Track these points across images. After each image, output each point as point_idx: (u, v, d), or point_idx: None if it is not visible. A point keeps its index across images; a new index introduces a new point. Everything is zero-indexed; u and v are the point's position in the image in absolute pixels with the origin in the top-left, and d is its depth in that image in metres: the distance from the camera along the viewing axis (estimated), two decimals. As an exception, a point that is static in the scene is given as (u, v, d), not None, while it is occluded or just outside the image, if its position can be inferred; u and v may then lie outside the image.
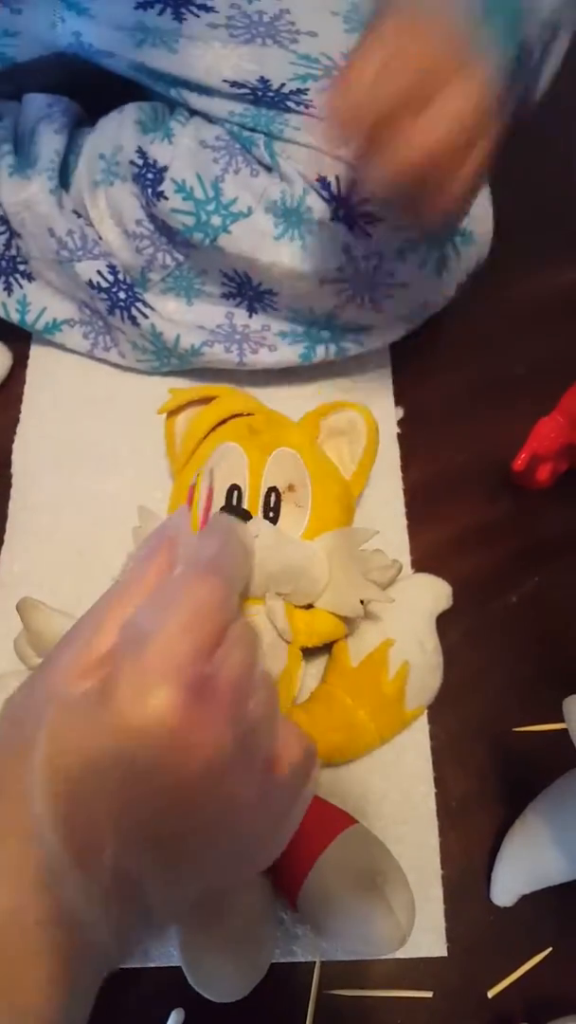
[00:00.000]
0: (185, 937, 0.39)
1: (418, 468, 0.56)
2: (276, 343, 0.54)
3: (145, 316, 0.54)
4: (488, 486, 0.56)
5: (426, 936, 0.44)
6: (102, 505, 0.54)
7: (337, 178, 0.46)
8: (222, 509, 0.43)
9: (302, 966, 0.43)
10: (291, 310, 0.52)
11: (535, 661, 0.51)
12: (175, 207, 0.49)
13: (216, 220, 0.48)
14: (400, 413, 0.57)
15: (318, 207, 0.47)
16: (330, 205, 0.47)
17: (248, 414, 0.49)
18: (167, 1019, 0.41)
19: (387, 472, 0.55)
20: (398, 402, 0.58)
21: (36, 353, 0.60)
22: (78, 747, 0.24)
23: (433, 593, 0.49)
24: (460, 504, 0.55)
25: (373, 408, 0.50)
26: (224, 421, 0.49)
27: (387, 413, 0.57)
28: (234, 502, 0.45)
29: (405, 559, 0.53)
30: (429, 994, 0.43)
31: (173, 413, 0.51)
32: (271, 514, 0.45)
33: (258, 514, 0.45)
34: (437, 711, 0.48)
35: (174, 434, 0.51)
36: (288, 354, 0.54)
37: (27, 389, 0.58)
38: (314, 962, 0.43)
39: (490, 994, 0.43)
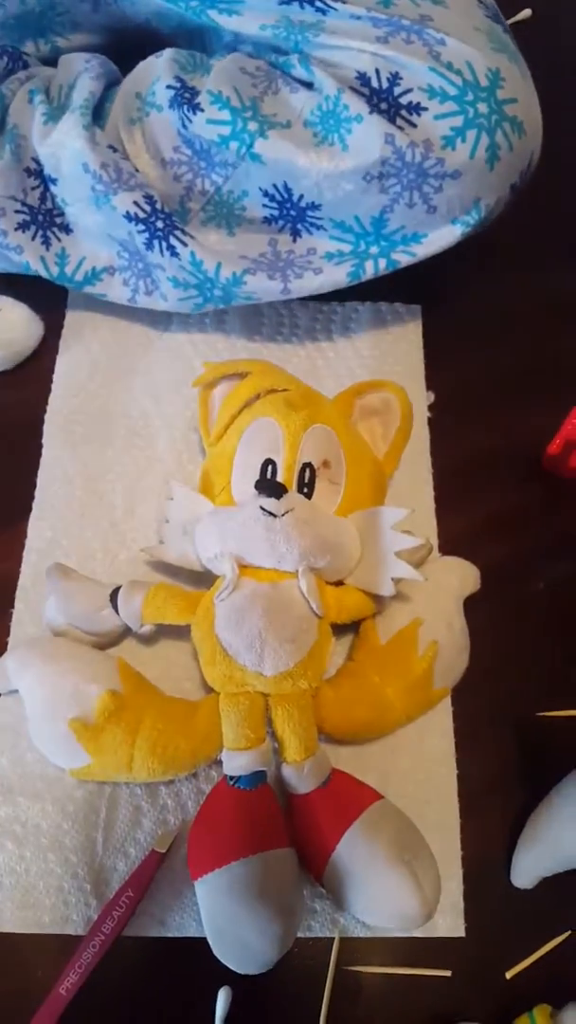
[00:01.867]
0: (210, 905, 0.39)
1: (448, 452, 0.56)
2: (322, 265, 0.52)
3: (184, 244, 0.52)
4: (517, 472, 0.56)
5: (445, 916, 0.44)
6: (133, 476, 0.54)
7: (377, 71, 0.46)
8: (257, 483, 0.43)
9: (320, 941, 0.43)
10: (336, 224, 0.51)
11: (560, 647, 0.51)
12: (211, 117, 0.48)
13: (253, 126, 0.48)
14: (431, 397, 0.57)
15: (354, 103, 0.46)
16: (371, 99, 0.46)
17: (284, 389, 0.49)
18: (213, 999, 0.41)
19: (417, 455, 0.55)
20: (429, 386, 0.58)
21: (69, 322, 0.59)
22: None
23: (461, 575, 0.49)
24: (489, 489, 0.55)
25: (408, 387, 0.50)
26: (259, 396, 0.48)
27: (418, 396, 0.57)
28: (268, 475, 0.45)
29: (433, 543, 0.53)
30: (447, 973, 0.43)
31: (208, 386, 0.51)
32: (305, 489, 0.45)
33: (292, 488, 0.44)
34: (461, 694, 0.48)
35: (208, 407, 0.51)
36: (335, 274, 0.52)
37: (59, 360, 0.58)
38: (332, 938, 0.43)
39: (508, 975, 0.43)
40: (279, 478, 0.45)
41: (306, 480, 0.45)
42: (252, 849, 0.39)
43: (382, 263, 0.52)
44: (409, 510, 0.45)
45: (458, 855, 0.45)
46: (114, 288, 0.56)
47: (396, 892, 0.39)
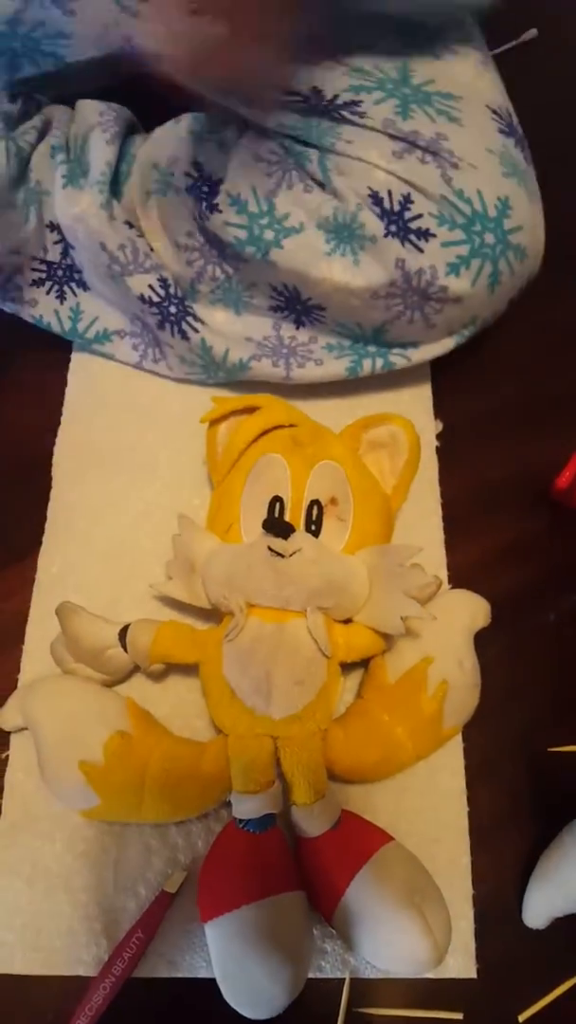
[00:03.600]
0: (220, 949, 0.39)
1: (456, 483, 0.55)
2: (323, 357, 0.54)
3: (195, 330, 0.54)
4: (527, 503, 0.55)
5: (456, 957, 0.43)
6: (141, 511, 0.54)
7: (389, 192, 0.46)
8: (264, 522, 0.43)
9: (331, 982, 0.43)
10: (339, 324, 0.52)
11: (572, 680, 0.50)
12: (229, 220, 0.49)
13: (269, 234, 0.48)
14: (439, 427, 0.57)
15: (371, 223, 0.47)
16: (383, 220, 0.47)
17: (291, 425, 0.49)
18: None
19: (425, 486, 0.55)
20: (437, 415, 0.58)
21: (77, 356, 0.60)
22: None
23: (471, 610, 0.48)
24: (498, 520, 0.55)
25: (412, 422, 0.50)
26: (267, 432, 0.48)
27: (426, 426, 0.56)
28: (276, 514, 0.45)
29: (443, 575, 0.52)
30: (459, 1016, 0.43)
31: (216, 422, 0.51)
32: (313, 527, 0.44)
33: (300, 527, 0.44)
34: (471, 728, 0.48)
35: (216, 443, 0.51)
36: (335, 367, 0.54)
37: (68, 392, 0.58)
38: (343, 979, 0.43)
39: (521, 1018, 0.43)
40: (286, 516, 0.45)
41: (313, 518, 0.45)
42: (261, 893, 0.39)
43: (379, 362, 0.53)
44: (418, 548, 0.45)
45: (469, 895, 0.45)
46: (122, 350, 0.58)
47: (406, 937, 0.38)
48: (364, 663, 0.47)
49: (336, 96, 0.48)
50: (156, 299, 0.53)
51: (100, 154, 0.52)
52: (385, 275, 0.48)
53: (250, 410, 0.50)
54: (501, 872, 0.46)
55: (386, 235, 0.47)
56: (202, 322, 0.54)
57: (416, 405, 0.58)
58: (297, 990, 0.38)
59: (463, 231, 0.46)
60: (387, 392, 0.58)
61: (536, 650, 0.51)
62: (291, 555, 0.42)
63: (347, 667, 0.47)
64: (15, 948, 0.43)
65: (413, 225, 0.46)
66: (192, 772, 0.43)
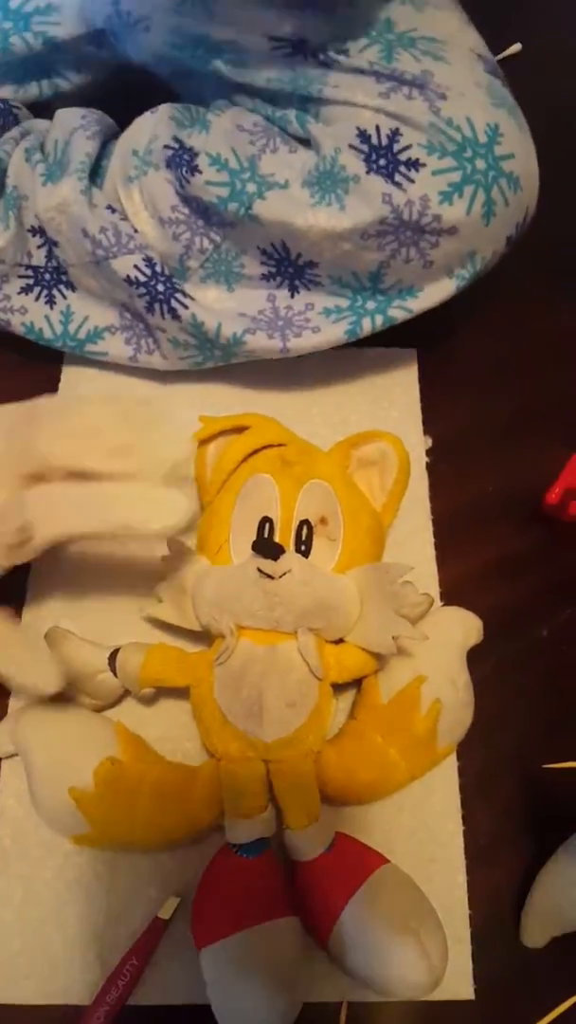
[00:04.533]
0: (215, 977, 0.38)
1: (446, 498, 0.55)
2: (320, 323, 0.52)
3: (185, 307, 0.52)
4: (518, 518, 0.55)
5: (453, 979, 0.43)
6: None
7: (377, 128, 0.46)
8: (254, 543, 0.43)
9: (328, 1006, 0.42)
10: (333, 280, 0.51)
11: (565, 696, 0.50)
12: (209, 179, 0.48)
13: (251, 187, 0.48)
14: (429, 442, 0.57)
15: (352, 163, 0.47)
16: (368, 158, 0.46)
17: (280, 444, 0.49)
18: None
19: (415, 502, 0.54)
20: (426, 431, 0.58)
21: (66, 377, 0.59)
22: None
23: (464, 627, 0.48)
24: (489, 536, 0.55)
25: (402, 438, 0.50)
26: (256, 451, 0.48)
27: (416, 442, 0.56)
28: (266, 535, 0.45)
29: (434, 591, 0.52)
30: None
31: (204, 442, 0.51)
32: (303, 547, 0.44)
33: (290, 547, 0.44)
34: (465, 746, 0.48)
35: (205, 463, 0.50)
36: (333, 332, 0.52)
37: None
38: (340, 1002, 0.42)
39: None
40: (276, 537, 0.44)
41: (303, 538, 0.44)
42: (254, 920, 0.39)
43: (379, 320, 0.52)
44: (409, 567, 0.44)
45: (466, 915, 0.44)
46: (115, 347, 0.56)
47: (402, 961, 0.38)
48: (357, 683, 0.47)
49: (322, 43, 0.49)
50: (143, 278, 0.52)
51: (80, 148, 0.52)
52: (371, 212, 0.47)
53: (239, 430, 0.49)
54: (498, 891, 0.45)
55: (368, 172, 0.47)
56: (191, 298, 0.53)
57: (405, 421, 0.58)
58: (292, 1017, 0.38)
59: (453, 158, 0.46)
60: (376, 409, 0.58)
61: (529, 666, 0.51)
62: (281, 576, 0.42)
63: (339, 687, 0.46)
64: (5, 977, 0.42)
65: (403, 157, 0.46)
66: (183, 797, 0.42)
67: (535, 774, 0.48)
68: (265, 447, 0.48)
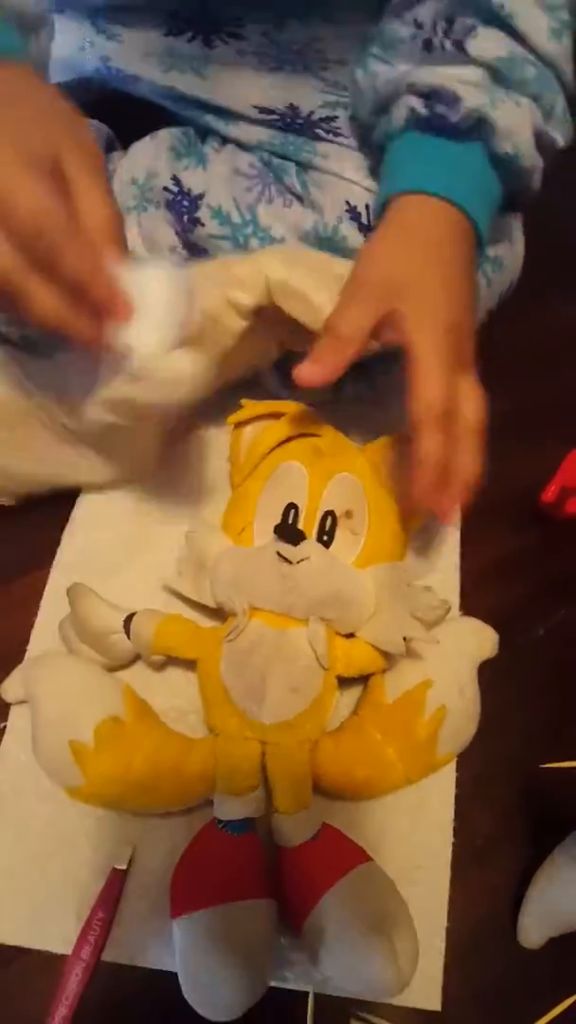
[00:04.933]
0: (186, 947, 0.39)
1: None
2: None
3: None
4: (515, 517, 0.55)
5: (422, 987, 0.43)
6: (163, 504, 0.54)
7: (367, 207, 0.46)
8: (276, 527, 0.43)
9: (297, 994, 0.42)
10: None
11: (563, 695, 0.50)
12: (212, 233, 0.49)
13: (254, 243, 0.49)
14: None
15: (352, 235, 0.47)
16: (363, 232, 0.47)
17: (315, 435, 0.49)
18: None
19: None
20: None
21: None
22: None
23: (479, 639, 0.48)
24: (487, 535, 0.55)
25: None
26: (290, 439, 0.49)
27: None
28: (290, 520, 0.45)
29: (454, 599, 0.52)
30: None
31: (241, 424, 0.51)
32: (325, 537, 0.44)
33: (312, 536, 0.44)
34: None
35: (240, 445, 0.51)
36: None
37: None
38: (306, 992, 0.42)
39: None
40: (300, 524, 0.45)
41: (326, 528, 0.45)
42: (232, 896, 0.39)
43: (360, 385, 0.53)
44: (428, 569, 0.44)
45: (443, 927, 0.44)
46: None
47: (370, 960, 0.38)
48: (364, 680, 0.47)
49: (311, 112, 0.49)
50: None
51: None
52: None
53: (276, 416, 0.50)
54: (496, 891, 0.45)
55: None
56: None
57: None
58: (254, 997, 0.38)
59: None
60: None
61: (526, 665, 0.51)
62: (299, 562, 0.42)
63: (346, 683, 0.46)
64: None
65: None
66: (177, 767, 0.43)
67: (533, 774, 0.48)
68: (300, 436, 0.48)
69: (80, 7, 0.53)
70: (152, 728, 0.45)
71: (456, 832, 0.46)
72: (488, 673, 0.49)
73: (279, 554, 0.43)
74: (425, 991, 0.43)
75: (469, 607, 0.50)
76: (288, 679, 0.42)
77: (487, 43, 0.43)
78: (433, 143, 0.44)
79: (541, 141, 0.46)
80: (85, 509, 0.55)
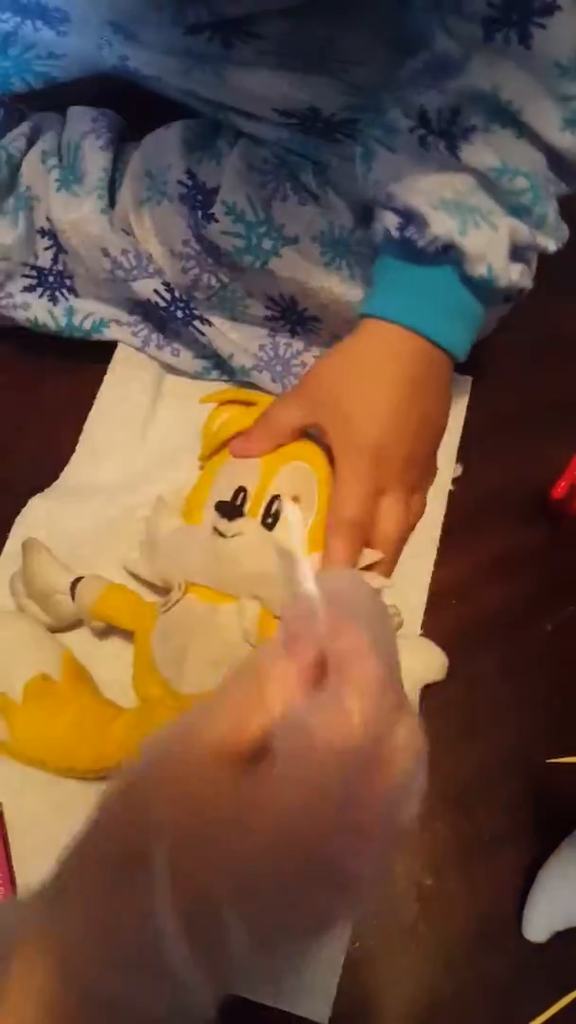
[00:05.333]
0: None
1: (454, 494, 0.55)
2: None
3: (203, 333, 0.54)
4: (525, 513, 0.55)
5: (313, 1000, 0.41)
6: (139, 483, 0.53)
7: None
8: (216, 504, 0.44)
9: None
10: (333, 336, 0.52)
11: (569, 691, 0.50)
12: (225, 229, 0.49)
13: (267, 244, 0.49)
14: (459, 471, 0.56)
15: (366, 239, 0.47)
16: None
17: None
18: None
19: (430, 523, 0.53)
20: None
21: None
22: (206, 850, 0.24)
23: (427, 660, 0.47)
24: (496, 530, 0.54)
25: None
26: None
27: (444, 466, 0.54)
28: (238, 503, 0.45)
29: (418, 617, 0.51)
30: None
31: (220, 405, 0.52)
32: (269, 519, 0.45)
33: (257, 518, 0.45)
34: (469, 742, 0.48)
35: (213, 427, 0.51)
36: None
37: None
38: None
39: None
40: (247, 506, 0.45)
41: (271, 511, 0.45)
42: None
43: None
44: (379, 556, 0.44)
45: (345, 944, 0.42)
46: (122, 334, 0.57)
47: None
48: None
49: (332, 115, 0.49)
50: (163, 304, 0.53)
51: (95, 160, 0.52)
52: None
53: (248, 404, 0.51)
54: (502, 886, 0.45)
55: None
56: (209, 324, 0.54)
57: (442, 446, 0.54)
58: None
59: None
60: None
61: (533, 660, 0.50)
62: (232, 536, 0.43)
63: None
64: None
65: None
66: (101, 731, 0.43)
67: (538, 769, 0.47)
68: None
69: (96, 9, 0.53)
70: (84, 692, 0.45)
71: (462, 827, 0.47)
72: (495, 668, 0.50)
73: (215, 529, 0.43)
74: (315, 1005, 0.41)
75: (477, 600, 0.50)
76: (209, 652, 0.42)
77: (482, 149, 0.43)
78: (400, 267, 0.46)
79: (527, 254, 0.46)
80: (78, 464, 0.55)
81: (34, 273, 0.55)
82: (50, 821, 0.44)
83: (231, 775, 0.24)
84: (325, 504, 0.45)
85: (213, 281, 0.53)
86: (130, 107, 0.57)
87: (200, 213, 0.50)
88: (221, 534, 0.43)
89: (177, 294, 0.53)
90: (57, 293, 0.56)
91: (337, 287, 0.49)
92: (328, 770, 0.23)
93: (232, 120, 0.52)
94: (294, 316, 0.53)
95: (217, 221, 0.50)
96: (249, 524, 0.43)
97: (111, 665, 0.48)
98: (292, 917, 0.25)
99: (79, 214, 0.51)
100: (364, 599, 0.29)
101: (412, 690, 0.46)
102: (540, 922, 0.43)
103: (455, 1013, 0.42)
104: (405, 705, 0.27)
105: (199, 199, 0.51)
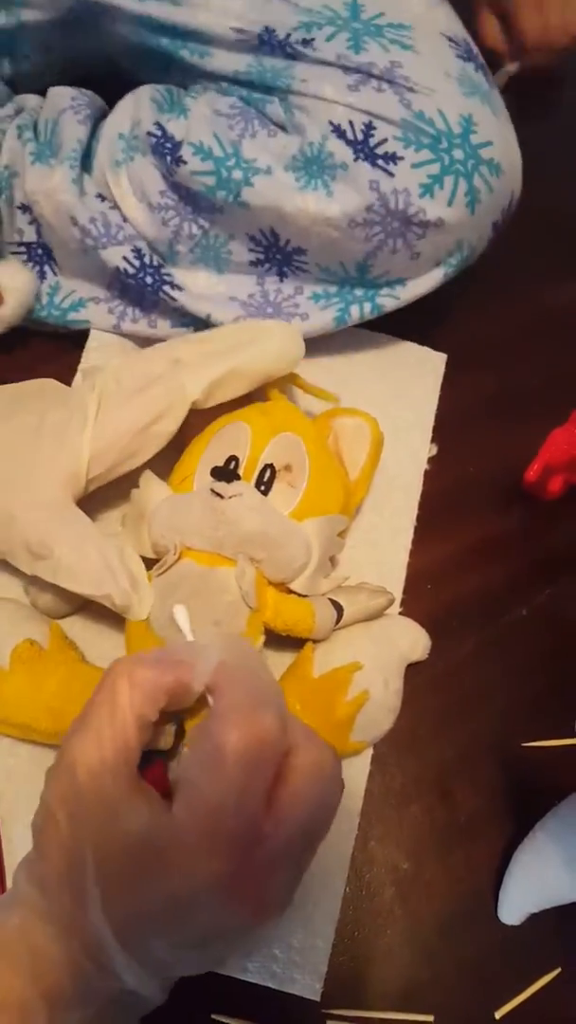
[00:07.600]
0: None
1: (428, 479, 0.55)
2: (308, 310, 0.53)
3: (174, 298, 0.53)
4: (500, 497, 0.55)
5: (304, 976, 0.41)
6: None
7: (351, 123, 0.47)
8: (213, 469, 0.44)
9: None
10: (321, 268, 0.52)
11: (546, 675, 0.50)
12: (195, 169, 0.49)
13: (237, 174, 0.49)
14: (433, 450, 0.56)
15: (339, 150, 0.47)
16: (350, 147, 0.47)
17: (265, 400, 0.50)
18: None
19: (404, 504, 0.54)
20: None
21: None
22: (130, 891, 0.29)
23: (412, 640, 0.48)
24: (472, 515, 0.55)
25: (408, 440, 0.52)
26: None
27: (419, 447, 0.56)
28: (230, 468, 0.45)
29: (397, 598, 0.51)
30: (430, 1018, 0.42)
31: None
32: (262, 487, 0.45)
33: (251, 483, 0.45)
34: (447, 725, 0.49)
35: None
36: (322, 319, 0.53)
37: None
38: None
39: (498, 1015, 0.42)
40: (239, 473, 0.45)
41: (264, 479, 0.45)
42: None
43: (367, 307, 0.53)
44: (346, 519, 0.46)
45: (334, 920, 0.42)
46: (98, 315, 0.56)
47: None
48: (295, 652, 0.46)
49: (288, 35, 0.50)
50: (131, 271, 0.52)
51: (71, 132, 0.53)
52: (360, 199, 0.48)
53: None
54: (478, 869, 0.45)
55: (356, 159, 0.47)
56: (180, 288, 0.53)
57: (416, 424, 0.57)
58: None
59: (430, 150, 0.46)
60: (388, 405, 0.56)
61: (509, 645, 0.51)
62: (230, 497, 0.43)
63: (276, 653, 0.46)
64: None
65: (380, 150, 0.47)
66: (89, 695, 0.41)
67: (516, 753, 0.48)
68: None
69: None
70: (72, 658, 0.44)
71: (438, 811, 0.47)
72: (472, 653, 0.50)
73: (212, 490, 0.43)
74: (306, 982, 0.41)
75: (453, 585, 0.51)
76: (208, 611, 0.41)
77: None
78: None
79: None
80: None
81: (23, 248, 0.55)
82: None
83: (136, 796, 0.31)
84: (316, 471, 0.46)
85: (194, 229, 0.52)
86: (109, 92, 0.57)
87: (169, 158, 0.50)
88: (219, 495, 0.43)
89: (148, 259, 0.53)
90: (45, 267, 0.56)
91: (314, 206, 0.48)
92: (225, 789, 0.29)
93: (189, 58, 0.53)
94: (278, 254, 0.52)
95: (186, 163, 0.49)
96: (247, 488, 0.43)
97: (100, 644, 0.47)
98: (202, 930, 0.29)
99: (51, 183, 0.51)
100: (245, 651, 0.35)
101: (397, 662, 0.46)
102: (515, 905, 0.44)
103: (432, 994, 0.43)
104: (302, 730, 0.33)
105: (168, 147, 0.50)
